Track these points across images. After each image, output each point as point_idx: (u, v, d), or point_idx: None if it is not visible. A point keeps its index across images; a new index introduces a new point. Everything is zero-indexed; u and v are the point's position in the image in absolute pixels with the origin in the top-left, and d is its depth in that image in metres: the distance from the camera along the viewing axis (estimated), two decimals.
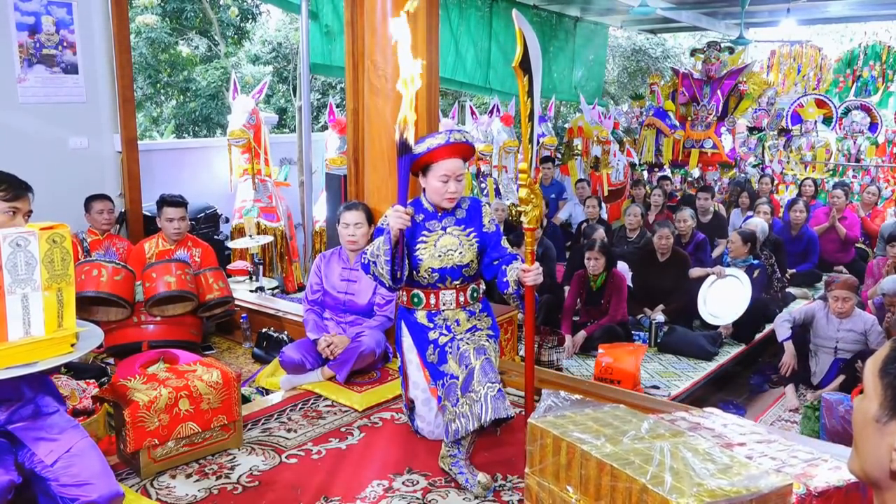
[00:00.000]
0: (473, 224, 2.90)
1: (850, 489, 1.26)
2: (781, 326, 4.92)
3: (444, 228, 2.87)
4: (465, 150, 2.82)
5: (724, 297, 5.50)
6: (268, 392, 3.94)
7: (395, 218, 2.62)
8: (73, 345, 2.02)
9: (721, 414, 1.61)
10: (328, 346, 3.75)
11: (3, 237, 1.79)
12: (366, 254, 2.84)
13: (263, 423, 3.42)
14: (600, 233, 6.53)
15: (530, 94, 2.51)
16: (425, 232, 2.87)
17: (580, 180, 9.06)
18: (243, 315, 4.87)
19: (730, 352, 5.33)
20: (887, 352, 0.93)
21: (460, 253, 2.84)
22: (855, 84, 11.36)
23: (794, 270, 6.89)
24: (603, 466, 1.27)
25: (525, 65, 2.48)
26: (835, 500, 1.21)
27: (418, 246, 2.85)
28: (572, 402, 1.50)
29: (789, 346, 4.82)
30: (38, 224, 1.93)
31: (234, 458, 3.11)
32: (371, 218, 3.89)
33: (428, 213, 2.88)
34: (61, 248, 1.88)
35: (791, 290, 6.55)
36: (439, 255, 2.83)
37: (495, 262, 2.89)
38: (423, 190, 2.94)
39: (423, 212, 2.88)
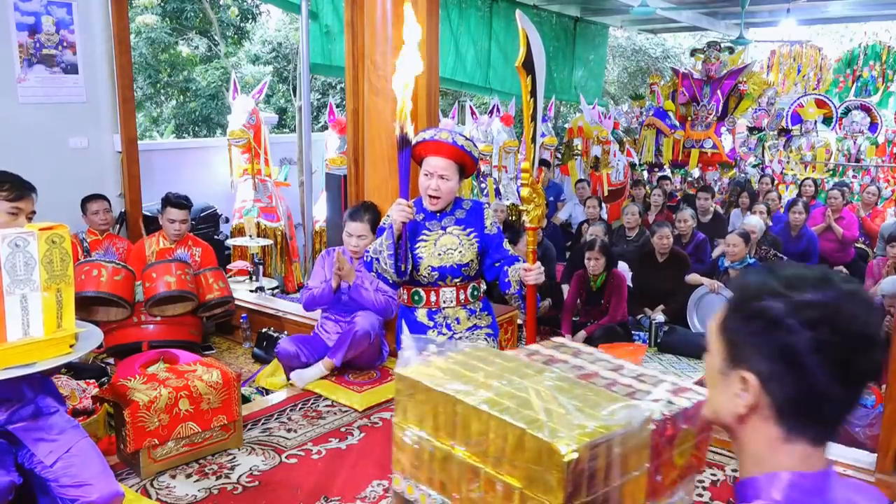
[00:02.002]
0: (474, 225, 2.89)
1: (700, 404, 1.29)
2: None
3: (443, 228, 2.87)
4: (453, 152, 2.77)
5: (712, 313, 5.43)
6: (268, 392, 3.94)
7: (397, 211, 2.63)
8: (71, 345, 2.02)
9: (568, 342, 1.62)
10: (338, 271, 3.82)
11: (3, 237, 1.79)
12: (368, 251, 2.85)
13: (263, 423, 3.42)
14: (598, 230, 6.52)
15: (533, 94, 2.48)
16: (425, 231, 2.87)
17: (580, 181, 9.06)
18: (243, 315, 4.87)
19: None
20: (724, 312, 1.01)
21: (460, 252, 2.84)
22: (855, 84, 11.36)
23: None
24: (479, 414, 1.20)
25: (528, 65, 2.45)
26: (686, 416, 1.27)
27: (418, 244, 2.85)
28: (437, 346, 1.46)
29: None
30: (38, 224, 1.92)
31: (234, 458, 3.11)
32: (377, 224, 3.86)
33: (428, 212, 2.88)
34: (60, 248, 1.87)
35: None
36: (439, 254, 2.83)
37: (497, 264, 2.89)
38: None
39: (423, 211, 2.88)
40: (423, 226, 2.87)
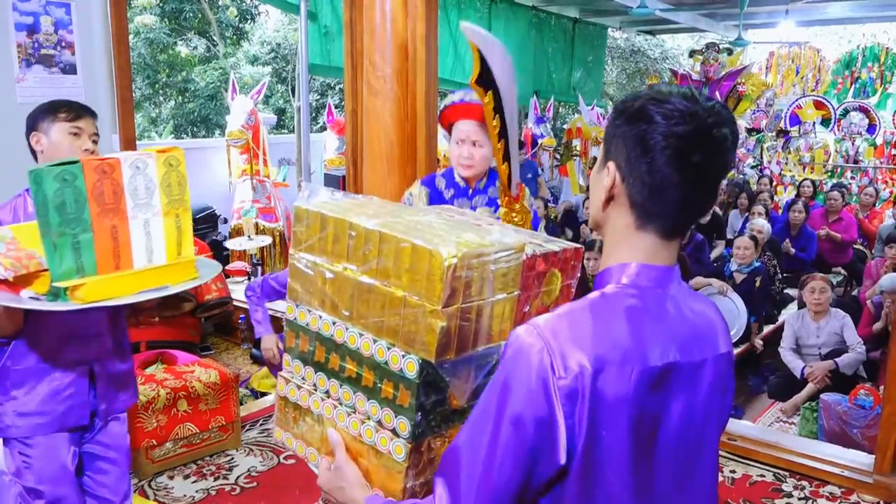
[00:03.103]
0: None
1: (569, 255, 1.41)
2: (792, 362, 4.78)
3: (473, 208, 2.63)
4: (479, 113, 2.49)
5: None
6: (262, 394, 3.94)
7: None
8: None
9: (450, 208, 1.71)
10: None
11: (124, 159, 1.72)
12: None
13: (262, 424, 3.42)
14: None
15: (497, 110, 2.20)
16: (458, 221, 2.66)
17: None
18: (241, 316, 4.87)
19: None
20: (608, 125, 1.13)
21: None
22: (853, 85, 11.38)
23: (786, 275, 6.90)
24: (371, 234, 1.27)
25: (484, 81, 2.17)
26: (555, 259, 1.38)
27: None
28: (332, 193, 1.52)
29: (814, 372, 4.61)
30: (154, 147, 1.86)
31: (233, 458, 3.11)
32: None
33: (458, 188, 2.67)
34: (177, 171, 1.81)
35: (789, 290, 6.55)
36: None
37: None
38: None
39: (454, 186, 2.68)
40: (451, 203, 2.65)
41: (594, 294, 1.11)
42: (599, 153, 1.15)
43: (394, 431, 1.26)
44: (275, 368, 3.91)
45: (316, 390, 1.40)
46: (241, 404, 3.62)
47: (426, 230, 1.26)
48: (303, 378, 1.42)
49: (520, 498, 1.05)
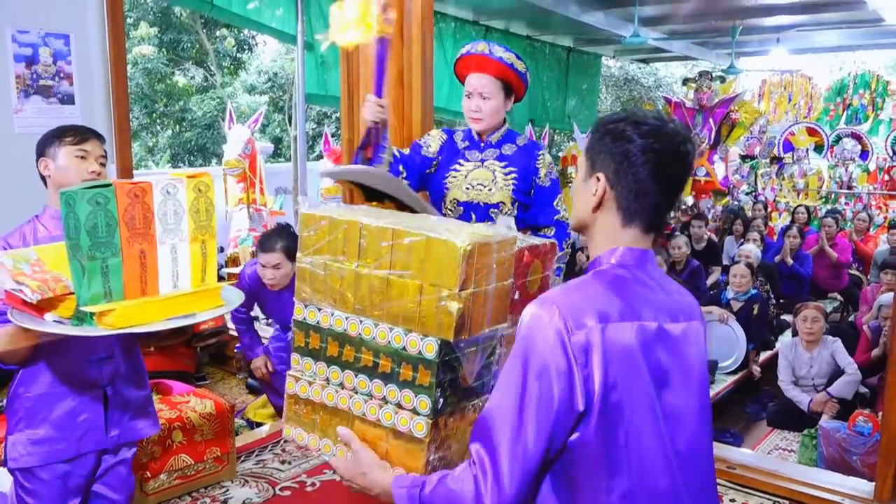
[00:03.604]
0: (519, 165, 2.58)
1: (548, 248, 1.59)
2: (797, 397, 4.74)
3: (482, 161, 2.60)
4: (494, 67, 2.51)
5: (713, 343, 5.36)
6: (258, 425, 3.91)
7: (365, 108, 2.35)
8: None
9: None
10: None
11: (156, 183, 1.70)
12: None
13: (257, 455, 3.39)
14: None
15: (402, 206, 2.03)
16: (461, 160, 2.61)
17: None
18: (237, 346, 4.84)
19: (726, 380, 5.30)
20: (588, 138, 1.35)
21: (489, 190, 2.56)
22: (845, 112, 11.48)
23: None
24: (384, 231, 1.38)
25: (373, 195, 2.07)
26: (537, 251, 1.55)
27: (450, 173, 2.60)
28: (326, 203, 1.57)
29: (819, 404, 4.62)
30: (183, 172, 1.83)
31: (228, 490, 3.07)
32: (293, 254, 3.55)
33: (472, 140, 2.63)
34: (206, 197, 1.79)
35: (785, 317, 6.55)
36: (466, 188, 2.57)
37: (542, 232, 2.62)
38: None
39: (469, 138, 2.64)
40: (462, 154, 2.62)
41: (588, 274, 1.33)
42: (583, 165, 1.36)
43: (414, 410, 1.37)
44: (266, 386, 3.90)
45: (329, 383, 1.48)
46: (237, 435, 3.58)
47: (434, 226, 1.38)
48: (314, 374, 1.50)
49: (549, 448, 1.20)
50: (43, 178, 2.09)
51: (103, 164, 2.08)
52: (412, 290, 1.36)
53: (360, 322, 1.43)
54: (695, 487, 1.29)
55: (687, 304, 1.37)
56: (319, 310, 1.49)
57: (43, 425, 2.01)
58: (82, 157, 2.03)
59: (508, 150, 2.62)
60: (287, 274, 3.57)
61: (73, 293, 1.67)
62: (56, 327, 1.65)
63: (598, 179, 1.30)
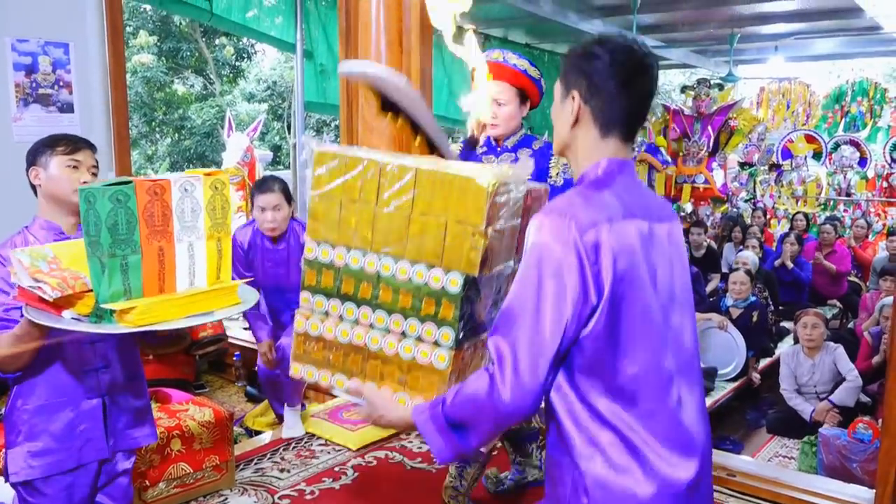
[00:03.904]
0: (534, 168, 2.62)
1: (542, 192, 1.68)
2: (799, 406, 4.74)
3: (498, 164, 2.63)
4: (508, 74, 2.56)
5: (712, 350, 5.36)
6: (256, 433, 3.90)
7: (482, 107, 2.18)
8: None
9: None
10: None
11: (174, 181, 1.71)
12: None
13: (256, 463, 3.38)
14: None
15: (416, 129, 2.04)
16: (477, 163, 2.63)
17: None
18: (236, 353, 4.84)
19: (725, 387, 5.30)
20: (562, 64, 1.45)
21: None
22: (843, 119, 11.50)
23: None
24: (406, 170, 1.40)
25: (388, 106, 2.03)
26: (535, 195, 1.62)
27: None
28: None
29: (821, 413, 4.61)
30: (200, 170, 1.83)
31: (226, 499, 3.06)
32: (290, 196, 3.57)
33: (490, 145, 2.69)
34: (222, 195, 1.80)
35: (785, 324, 6.55)
36: None
37: None
38: None
39: (487, 143, 2.69)
40: (479, 158, 2.64)
41: (580, 186, 1.41)
42: (558, 91, 1.45)
43: (435, 343, 1.42)
44: (269, 391, 3.83)
45: (342, 320, 1.50)
46: (236, 443, 3.57)
47: (455, 167, 1.43)
48: (326, 312, 1.52)
49: (563, 343, 1.28)
50: (33, 188, 2.07)
51: (95, 175, 2.06)
52: (436, 228, 1.39)
53: (379, 259, 1.45)
54: (685, 366, 1.41)
55: (667, 207, 1.52)
56: (333, 248, 1.49)
57: (42, 437, 1.99)
58: (74, 167, 2.01)
59: (524, 153, 2.69)
60: (286, 217, 3.49)
61: (91, 291, 1.66)
62: (75, 325, 1.65)
63: (574, 98, 1.40)
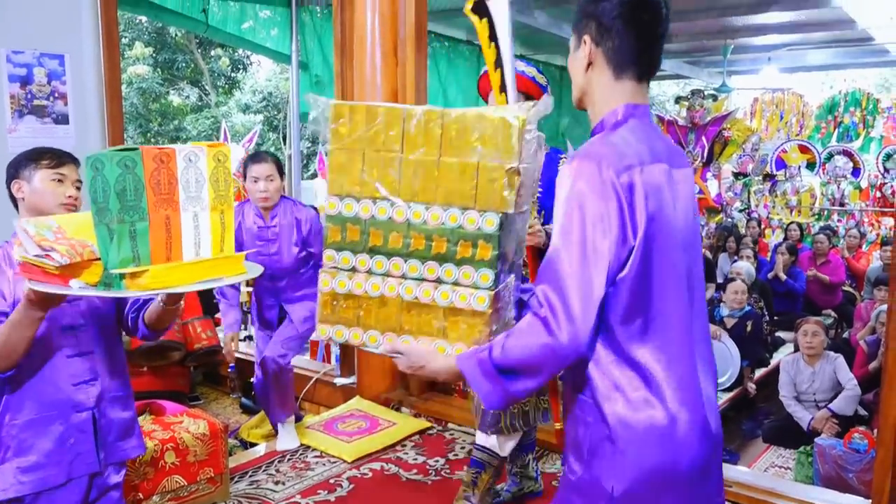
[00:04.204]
0: (543, 174, 2.53)
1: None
2: (798, 413, 4.74)
3: None
4: (518, 81, 2.44)
5: (717, 360, 5.36)
6: (251, 445, 3.89)
7: None
8: None
9: None
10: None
11: (179, 150, 1.71)
12: None
13: (251, 476, 3.36)
14: None
15: (493, 38, 2.12)
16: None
17: None
18: (231, 365, 4.82)
19: (721, 397, 5.30)
20: (574, 17, 1.49)
21: None
22: (836, 130, 11.56)
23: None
24: (431, 114, 1.40)
25: (480, 8, 2.08)
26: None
27: None
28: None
29: (820, 422, 4.61)
30: (203, 142, 1.84)
31: None
32: (282, 170, 3.56)
33: None
34: (224, 167, 1.79)
35: (780, 333, 6.56)
36: None
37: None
38: None
39: None
40: None
41: (602, 133, 1.43)
42: (572, 43, 1.50)
43: (474, 285, 1.43)
44: (263, 401, 3.77)
45: (372, 274, 1.48)
46: (230, 455, 3.56)
47: (477, 109, 1.43)
48: (353, 268, 1.50)
49: (607, 282, 1.31)
50: (13, 201, 2.05)
51: (78, 189, 2.06)
52: (467, 169, 1.40)
53: (409, 207, 1.44)
54: (698, 307, 1.47)
55: (682, 153, 1.57)
56: (358, 201, 1.47)
57: (33, 452, 1.97)
58: (59, 181, 2.01)
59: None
60: (278, 189, 3.46)
61: (98, 259, 1.65)
62: (84, 291, 1.65)
63: (585, 42, 1.45)
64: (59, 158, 2.04)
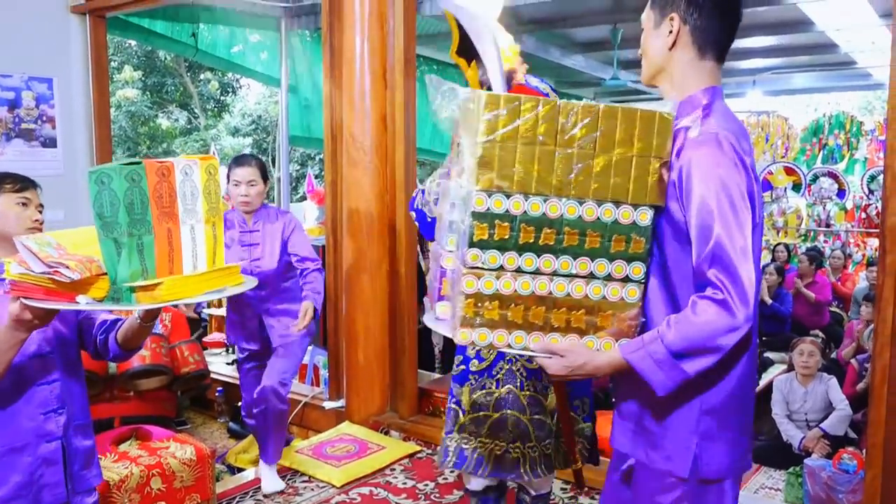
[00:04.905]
0: None
1: None
2: (789, 432, 4.74)
3: None
4: (520, 89, 2.41)
5: None
6: (239, 470, 3.85)
7: None
8: None
9: None
10: None
11: (176, 164, 1.70)
12: (416, 198, 2.61)
13: (238, 501, 3.32)
14: None
15: (483, 82, 1.96)
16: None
17: None
18: (219, 389, 4.78)
19: None
20: None
21: None
22: (821, 152, 11.68)
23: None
24: (591, 109, 1.42)
25: (465, 51, 1.95)
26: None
27: None
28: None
29: (811, 441, 4.60)
30: (193, 155, 1.84)
31: None
32: (266, 175, 3.51)
33: None
34: (214, 180, 1.79)
35: (768, 354, 6.57)
36: None
37: None
38: None
39: None
40: None
41: (711, 110, 1.50)
42: (651, 17, 1.55)
43: (626, 279, 1.47)
44: (253, 430, 3.65)
45: (521, 272, 1.47)
46: (218, 480, 3.52)
47: (627, 106, 1.48)
48: (500, 267, 1.47)
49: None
50: None
51: (41, 212, 2.07)
52: (622, 164, 1.43)
53: (562, 202, 1.44)
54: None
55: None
56: (508, 197, 1.44)
57: (4, 486, 1.91)
58: (24, 205, 2.01)
59: None
60: (260, 193, 3.42)
61: (104, 274, 1.64)
62: (93, 306, 1.63)
63: (672, 19, 1.50)
64: (21, 182, 2.05)
